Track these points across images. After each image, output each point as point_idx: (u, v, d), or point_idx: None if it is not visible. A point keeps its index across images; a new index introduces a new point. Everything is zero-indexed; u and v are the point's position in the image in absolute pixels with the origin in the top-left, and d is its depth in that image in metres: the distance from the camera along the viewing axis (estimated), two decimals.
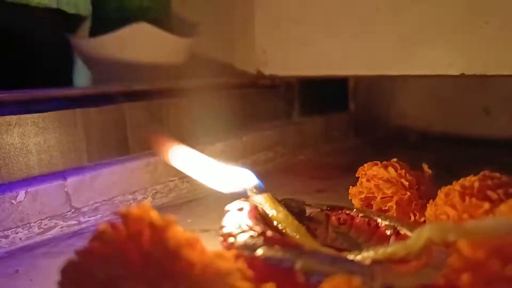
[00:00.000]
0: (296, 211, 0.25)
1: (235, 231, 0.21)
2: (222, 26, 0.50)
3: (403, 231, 0.23)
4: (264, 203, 0.25)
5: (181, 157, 0.27)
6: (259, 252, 0.19)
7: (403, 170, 0.28)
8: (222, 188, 0.27)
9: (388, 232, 0.23)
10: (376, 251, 0.19)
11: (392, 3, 0.39)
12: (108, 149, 0.34)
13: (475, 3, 0.35)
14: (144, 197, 0.35)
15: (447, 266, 0.16)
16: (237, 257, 0.17)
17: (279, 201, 0.25)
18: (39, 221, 0.29)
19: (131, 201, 0.35)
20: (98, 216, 0.32)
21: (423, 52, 0.38)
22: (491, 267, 0.15)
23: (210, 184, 0.27)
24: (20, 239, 0.28)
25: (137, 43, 0.43)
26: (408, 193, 0.27)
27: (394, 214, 0.27)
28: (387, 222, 0.24)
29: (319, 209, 0.26)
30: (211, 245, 0.17)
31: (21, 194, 0.28)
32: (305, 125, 0.53)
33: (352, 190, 0.30)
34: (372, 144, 0.61)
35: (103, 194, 0.33)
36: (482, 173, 0.24)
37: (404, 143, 0.62)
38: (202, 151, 0.39)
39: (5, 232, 0.28)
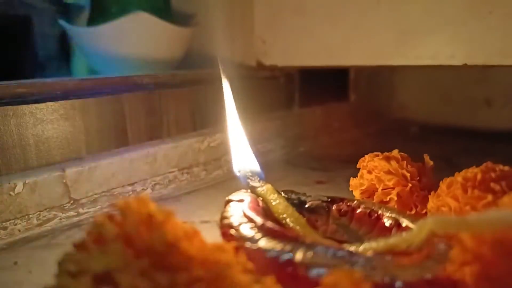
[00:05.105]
0: (296, 202, 0.25)
1: (235, 223, 0.21)
2: (221, 16, 0.50)
3: (405, 223, 0.22)
4: (265, 194, 0.25)
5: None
6: (259, 244, 0.19)
7: (404, 162, 0.28)
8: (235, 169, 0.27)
9: (389, 224, 0.23)
10: (377, 243, 0.19)
11: None
12: (107, 140, 0.34)
13: None
14: (143, 189, 0.35)
15: (449, 258, 0.16)
16: (237, 249, 0.17)
17: (280, 193, 0.25)
18: (38, 212, 0.29)
19: (130, 193, 0.34)
20: (97, 207, 0.32)
21: (424, 43, 0.38)
22: (493, 260, 0.15)
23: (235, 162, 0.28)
24: (19, 230, 0.28)
25: (136, 33, 0.42)
26: (410, 185, 0.27)
27: (395, 206, 0.27)
28: (388, 214, 0.23)
29: (320, 201, 0.26)
30: (211, 236, 0.17)
31: (19, 186, 0.28)
32: (305, 116, 0.53)
33: (353, 181, 0.29)
34: (373, 135, 0.61)
35: (102, 186, 0.32)
36: (484, 164, 0.24)
37: (405, 135, 0.62)
38: (202, 142, 0.40)
39: (4, 223, 0.27)
